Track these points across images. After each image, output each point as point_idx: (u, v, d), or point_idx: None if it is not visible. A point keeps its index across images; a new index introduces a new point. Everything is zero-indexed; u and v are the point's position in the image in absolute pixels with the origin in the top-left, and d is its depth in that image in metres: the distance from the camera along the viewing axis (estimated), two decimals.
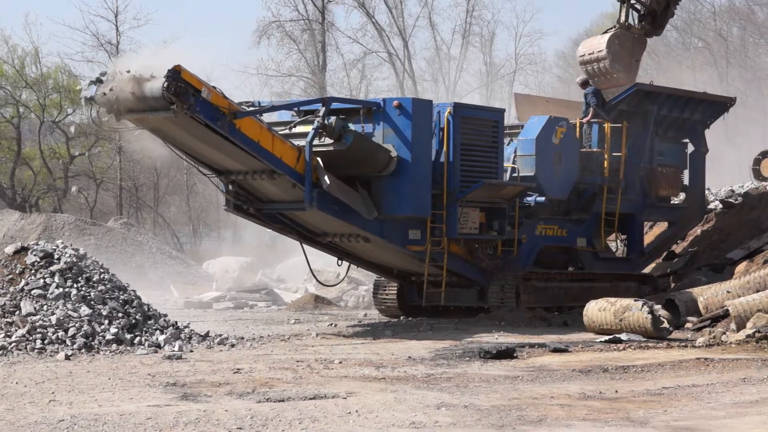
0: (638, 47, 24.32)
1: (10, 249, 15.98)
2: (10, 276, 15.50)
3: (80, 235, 35.88)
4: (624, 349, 15.53)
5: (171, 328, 15.92)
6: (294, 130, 18.50)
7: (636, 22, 24.14)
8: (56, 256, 15.90)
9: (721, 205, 25.91)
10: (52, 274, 15.53)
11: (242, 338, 16.91)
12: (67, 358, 13.78)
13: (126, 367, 12.99)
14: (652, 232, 25.55)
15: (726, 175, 32.17)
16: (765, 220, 24.08)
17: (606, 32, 24.09)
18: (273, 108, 19.15)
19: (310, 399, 10.51)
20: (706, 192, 25.65)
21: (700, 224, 25.32)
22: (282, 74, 54.38)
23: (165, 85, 16.07)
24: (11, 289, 15.26)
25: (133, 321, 15.53)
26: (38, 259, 15.71)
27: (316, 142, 17.97)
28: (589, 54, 23.80)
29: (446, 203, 19.53)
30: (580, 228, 22.17)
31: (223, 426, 9.09)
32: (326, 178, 17.83)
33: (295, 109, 19.19)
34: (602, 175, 22.07)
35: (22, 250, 15.87)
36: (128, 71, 16.56)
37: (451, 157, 19.53)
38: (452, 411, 9.91)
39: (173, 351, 14.49)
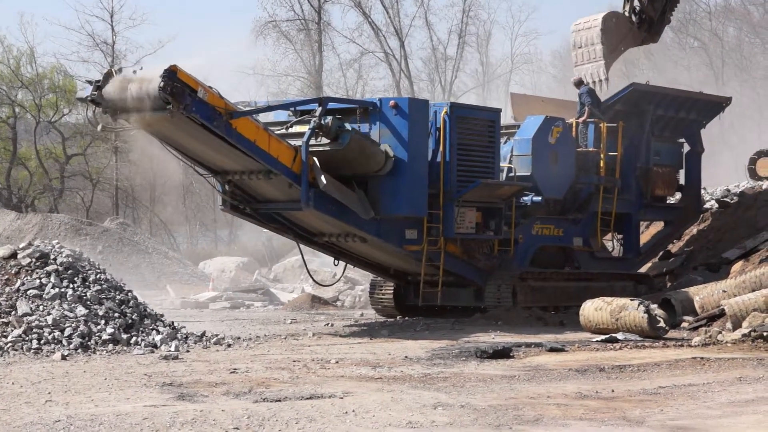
0: (630, 39, 24.26)
1: (1, 252, 15.93)
2: (6, 276, 15.48)
3: (76, 236, 35.82)
4: (620, 348, 15.53)
5: (167, 328, 15.91)
6: (290, 130, 18.50)
7: (636, 24, 24.13)
8: (52, 257, 15.89)
9: (716, 205, 25.92)
10: (48, 275, 15.51)
11: (239, 338, 16.89)
12: (64, 358, 13.77)
13: (122, 367, 12.98)
14: (648, 232, 25.57)
15: (722, 174, 32.20)
16: (760, 219, 24.08)
17: None
18: (269, 108, 19.13)
19: (307, 399, 10.51)
20: (702, 191, 25.66)
21: (696, 224, 25.33)
22: (278, 74, 54.36)
23: (161, 85, 16.07)
24: (7, 289, 15.23)
25: (130, 321, 15.52)
26: (34, 260, 15.69)
27: (312, 142, 17.96)
28: (585, 22, 23.70)
29: (443, 203, 19.54)
30: (577, 228, 22.18)
31: (220, 426, 9.09)
32: (323, 177, 17.83)
33: (292, 109, 19.18)
34: (598, 175, 22.09)
35: (12, 257, 15.80)
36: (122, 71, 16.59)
37: (448, 157, 19.53)
38: (449, 411, 9.92)
39: (170, 351, 14.48)
